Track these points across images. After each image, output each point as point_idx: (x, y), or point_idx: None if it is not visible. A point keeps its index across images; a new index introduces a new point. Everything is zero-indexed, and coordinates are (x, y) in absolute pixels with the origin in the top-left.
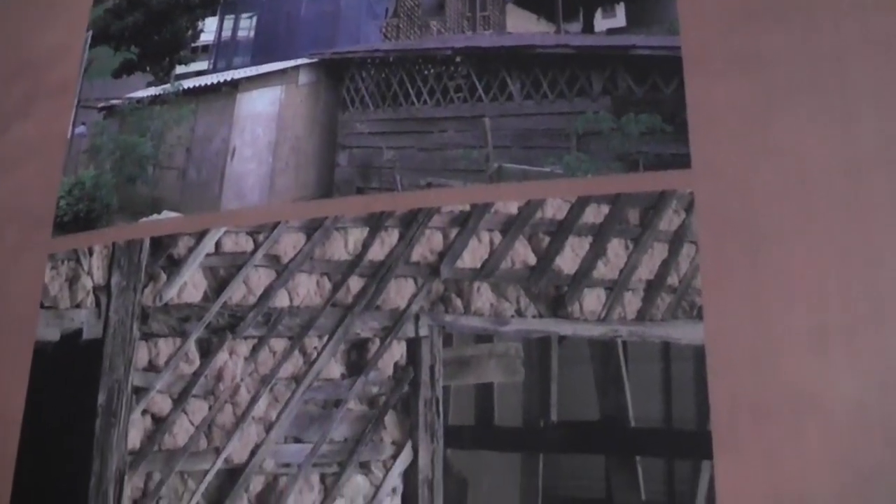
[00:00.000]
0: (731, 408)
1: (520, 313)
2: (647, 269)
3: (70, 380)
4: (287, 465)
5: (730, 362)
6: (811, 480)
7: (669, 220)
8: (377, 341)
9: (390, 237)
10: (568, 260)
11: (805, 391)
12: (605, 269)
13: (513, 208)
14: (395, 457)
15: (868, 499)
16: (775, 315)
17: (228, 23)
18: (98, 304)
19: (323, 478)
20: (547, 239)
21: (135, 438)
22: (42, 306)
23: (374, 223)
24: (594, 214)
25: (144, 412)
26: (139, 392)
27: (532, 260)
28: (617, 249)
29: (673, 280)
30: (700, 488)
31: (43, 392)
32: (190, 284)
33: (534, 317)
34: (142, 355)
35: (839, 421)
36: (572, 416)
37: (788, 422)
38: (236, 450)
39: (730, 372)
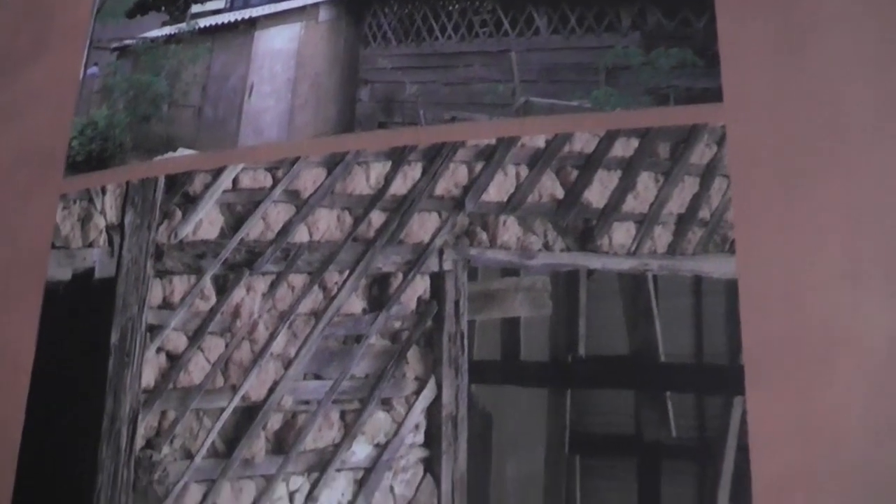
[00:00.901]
0: (764, 342)
1: (547, 247)
2: (677, 202)
3: (82, 319)
4: (306, 403)
5: (762, 296)
6: (844, 415)
7: (701, 154)
8: (400, 276)
9: (413, 171)
10: (596, 193)
11: (838, 325)
12: (635, 203)
13: (540, 142)
14: (417, 393)
15: None
16: (808, 249)
17: None
18: (111, 243)
19: (343, 415)
20: (575, 172)
21: (149, 377)
22: (53, 246)
23: (397, 157)
24: (623, 148)
25: (159, 350)
26: (153, 330)
27: (560, 193)
28: (647, 183)
29: (704, 214)
30: (732, 424)
31: (54, 332)
32: (206, 221)
33: (562, 250)
34: (156, 293)
35: (873, 355)
36: (601, 350)
37: (821, 356)
38: (254, 387)
39: (762, 306)
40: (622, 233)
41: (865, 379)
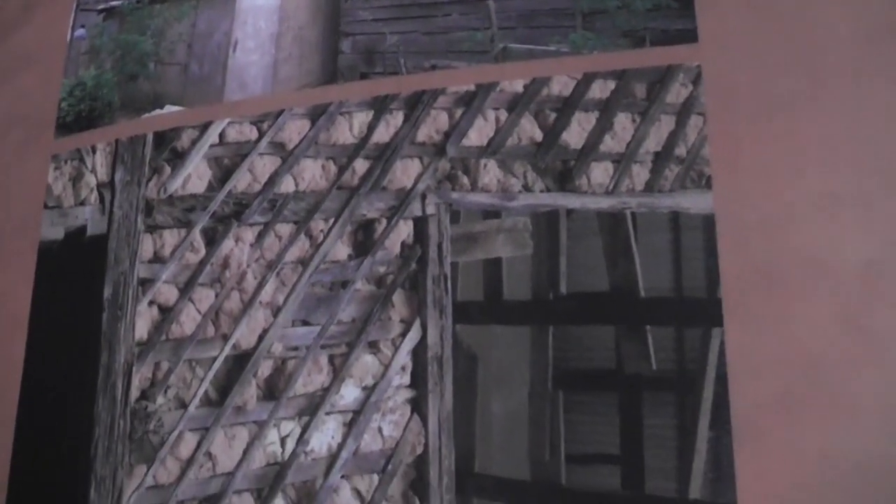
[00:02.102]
0: (741, 274)
1: (527, 188)
2: (654, 141)
3: (75, 276)
4: (295, 348)
5: (739, 230)
6: (821, 344)
7: (677, 93)
8: (384, 221)
9: (395, 119)
10: (575, 135)
11: (815, 256)
12: (613, 143)
13: (518, 87)
14: (403, 335)
15: (879, 361)
16: (785, 182)
17: None
18: (102, 200)
19: (331, 359)
20: (553, 115)
21: (142, 329)
22: (46, 206)
23: (379, 106)
24: (600, 90)
25: (151, 303)
26: (145, 283)
27: (539, 136)
28: (624, 123)
29: (681, 151)
30: (711, 355)
31: (49, 290)
32: (194, 175)
33: (541, 191)
34: (147, 247)
35: (849, 285)
36: (582, 287)
37: (798, 287)
38: (244, 335)
39: (739, 239)
40: (600, 172)
41: (841, 309)
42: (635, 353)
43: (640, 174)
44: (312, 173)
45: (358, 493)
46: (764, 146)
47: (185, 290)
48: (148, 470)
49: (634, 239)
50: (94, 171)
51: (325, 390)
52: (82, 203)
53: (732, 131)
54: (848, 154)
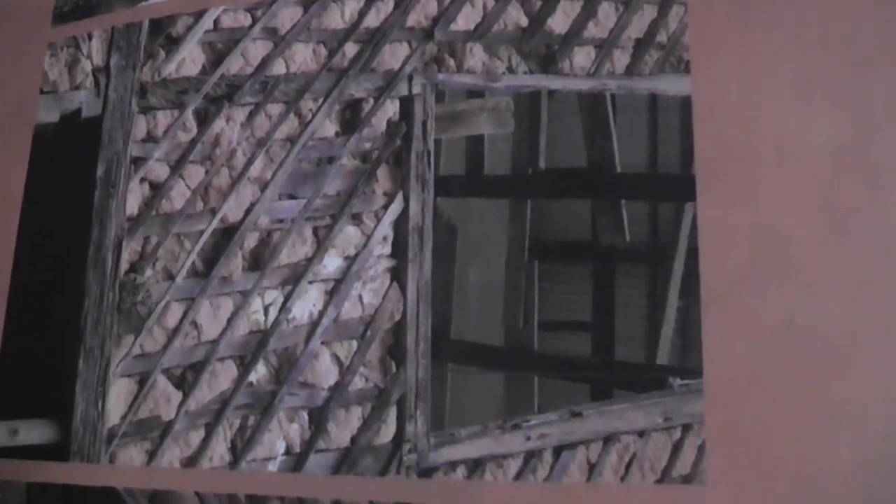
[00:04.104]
0: (716, 153)
1: (511, 70)
2: (636, 28)
3: (70, 157)
4: (281, 221)
5: (715, 111)
6: (791, 220)
7: None
8: (371, 101)
9: (386, 6)
10: (559, 21)
11: (787, 138)
12: (596, 29)
13: None
14: (386, 207)
15: (845, 237)
16: (761, 69)
17: None
18: (97, 84)
19: (316, 230)
20: (539, 2)
21: (133, 205)
22: (42, 92)
23: None
24: None
25: (143, 180)
26: (137, 162)
27: (524, 22)
28: (607, 11)
29: (662, 37)
30: (683, 228)
31: (43, 171)
32: (188, 59)
33: (525, 73)
34: (140, 128)
35: (820, 163)
36: (560, 163)
37: (770, 167)
38: (232, 209)
39: (715, 120)
40: (583, 56)
41: (812, 185)
42: (610, 226)
43: (621, 59)
44: (304, 56)
45: (337, 358)
46: (742, 34)
47: (177, 167)
48: (135, 339)
49: (613, 119)
50: (89, 56)
51: (309, 260)
52: (78, 87)
53: (712, 18)
54: (821, 42)
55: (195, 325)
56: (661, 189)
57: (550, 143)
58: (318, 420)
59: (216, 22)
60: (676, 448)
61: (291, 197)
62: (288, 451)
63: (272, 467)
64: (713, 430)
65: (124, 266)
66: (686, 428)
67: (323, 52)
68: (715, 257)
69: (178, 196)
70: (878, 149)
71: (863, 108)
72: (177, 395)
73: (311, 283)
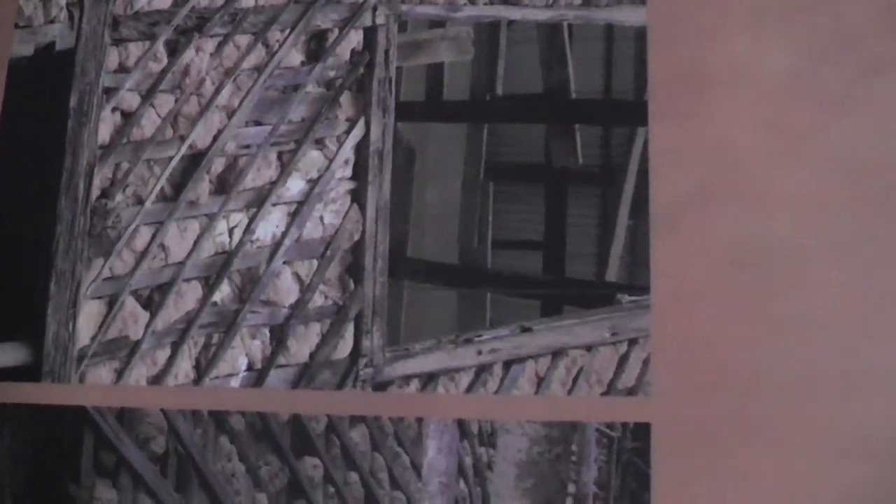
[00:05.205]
0: (669, 80)
1: (472, 2)
2: None
3: (44, 88)
4: (247, 147)
5: (669, 41)
6: (740, 143)
7: None
8: (336, 31)
9: None
10: None
11: (739, 64)
12: None
13: None
14: (348, 132)
15: (793, 159)
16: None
17: None
18: (71, 18)
19: (280, 155)
20: None
21: (105, 134)
22: (17, 26)
23: None
24: None
25: (114, 109)
26: (109, 92)
27: None
28: None
29: None
30: (634, 152)
31: (19, 102)
32: None
33: (485, 4)
34: (112, 59)
35: (769, 90)
36: (517, 90)
37: (722, 92)
38: (200, 136)
39: (669, 48)
40: None
41: (761, 112)
42: (563, 149)
43: None
44: None
45: (298, 277)
46: None
47: (147, 96)
48: (105, 262)
49: (569, 48)
50: None
51: (273, 184)
52: (52, 21)
53: None
54: None
55: (163, 247)
56: (614, 114)
57: (508, 71)
58: (279, 337)
59: None
60: (622, 361)
61: (258, 123)
62: (250, 368)
63: (235, 383)
64: (659, 344)
65: (96, 192)
66: (632, 342)
67: None
68: (665, 179)
69: (149, 124)
70: (826, 76)
71: (812, 37)
72: (144, 316)
73: (274, 205)
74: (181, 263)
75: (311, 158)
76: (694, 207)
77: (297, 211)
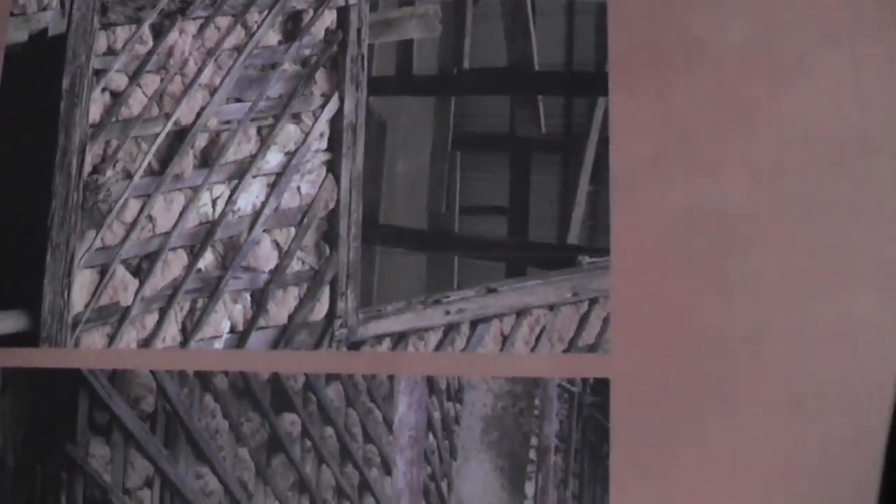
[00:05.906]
0: (628, 51)
1: None
2: None
3: (38, 72)
4: (228, 122)
5: (629, 13)
6: (697, 112)
7: None
8: (311, 11)
9: None
10: None
11: (696, 37)
12: None
13: None
14: (323, 107)
15: (749, 127)
16: None
17: None
18: (63, 5)
19: (259, 130)
20: None
21: (95, 113)
22: (12, 14)
23: None
24: None
25: (104, 90)
26: (99, 74)
27: None
28: None
29: None
30: (595, 121)
31: (14, 86)
32: None
33: None
34: (101, 43)
35: (725, 61)
36: (483, 63)
37: (681, 63)
38: (184, 113)
39: (628, 21)
40: None
41: (719, 82)
42: (527, 119)
43: None
44: None
45: (277, 244)
46: None
47: (134, 77)
48: (97, 234)
49: (533, 22)
50: None
51: (253, 157)
52: (45, 9)
53: None
54: None
55: (150, 218)
56: (575, 85)
57: (474, 46)
58: (259, 301)
59: None
60: (583, 320)
61: (238, 100)
62: (232, 330)
63: (218, 345)
64: (618, 303)
65: (87, 168)
66: (593, 302)
67: None
68: (624, 146)
69: (136, 103)
70: (780, 47)
71: (767, 9)
72: (134, 283)
73: (254, 177)
74: (168, 233)
75: (289, 132)
76: (652, 173)
77: (276, 182)
